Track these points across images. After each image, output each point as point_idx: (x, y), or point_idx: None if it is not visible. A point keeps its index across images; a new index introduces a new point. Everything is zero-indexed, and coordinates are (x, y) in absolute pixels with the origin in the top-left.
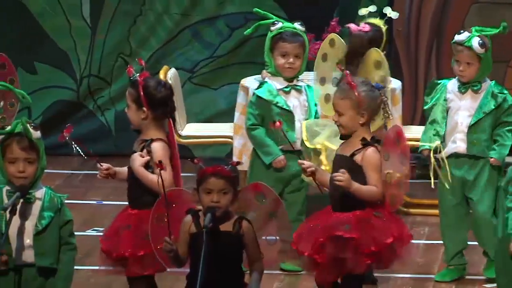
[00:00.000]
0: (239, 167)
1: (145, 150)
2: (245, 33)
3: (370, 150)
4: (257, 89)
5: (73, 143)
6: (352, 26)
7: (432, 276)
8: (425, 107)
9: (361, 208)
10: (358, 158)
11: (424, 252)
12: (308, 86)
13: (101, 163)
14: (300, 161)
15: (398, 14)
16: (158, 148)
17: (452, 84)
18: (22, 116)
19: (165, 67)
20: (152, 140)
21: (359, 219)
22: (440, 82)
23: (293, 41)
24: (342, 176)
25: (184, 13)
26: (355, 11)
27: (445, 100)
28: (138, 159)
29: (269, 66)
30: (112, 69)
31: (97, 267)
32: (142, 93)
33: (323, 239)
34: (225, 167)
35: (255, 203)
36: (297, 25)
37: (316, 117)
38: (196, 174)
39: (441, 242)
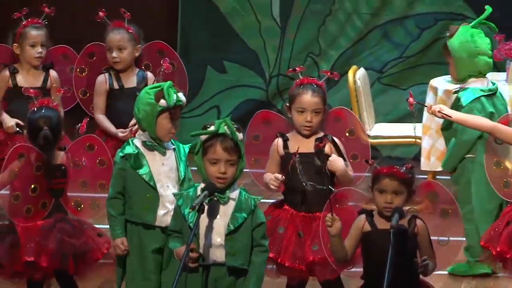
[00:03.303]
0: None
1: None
2: None
3: None
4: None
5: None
6: None
7: None
8: None
9: None
10: None
11: None
12: None
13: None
14: None
15: None
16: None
17: None
18: (211, 115)
19: (354, 67)
20: (328, 135)
21: None
22: None
23: None
24: None
25: (374, 13)
26: None
27: None
28: (341, 160)
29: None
30: None
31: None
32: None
33: None
34: (400, 168)
35: (427, 202)
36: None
37: None
38: (371, 173)
39: None
